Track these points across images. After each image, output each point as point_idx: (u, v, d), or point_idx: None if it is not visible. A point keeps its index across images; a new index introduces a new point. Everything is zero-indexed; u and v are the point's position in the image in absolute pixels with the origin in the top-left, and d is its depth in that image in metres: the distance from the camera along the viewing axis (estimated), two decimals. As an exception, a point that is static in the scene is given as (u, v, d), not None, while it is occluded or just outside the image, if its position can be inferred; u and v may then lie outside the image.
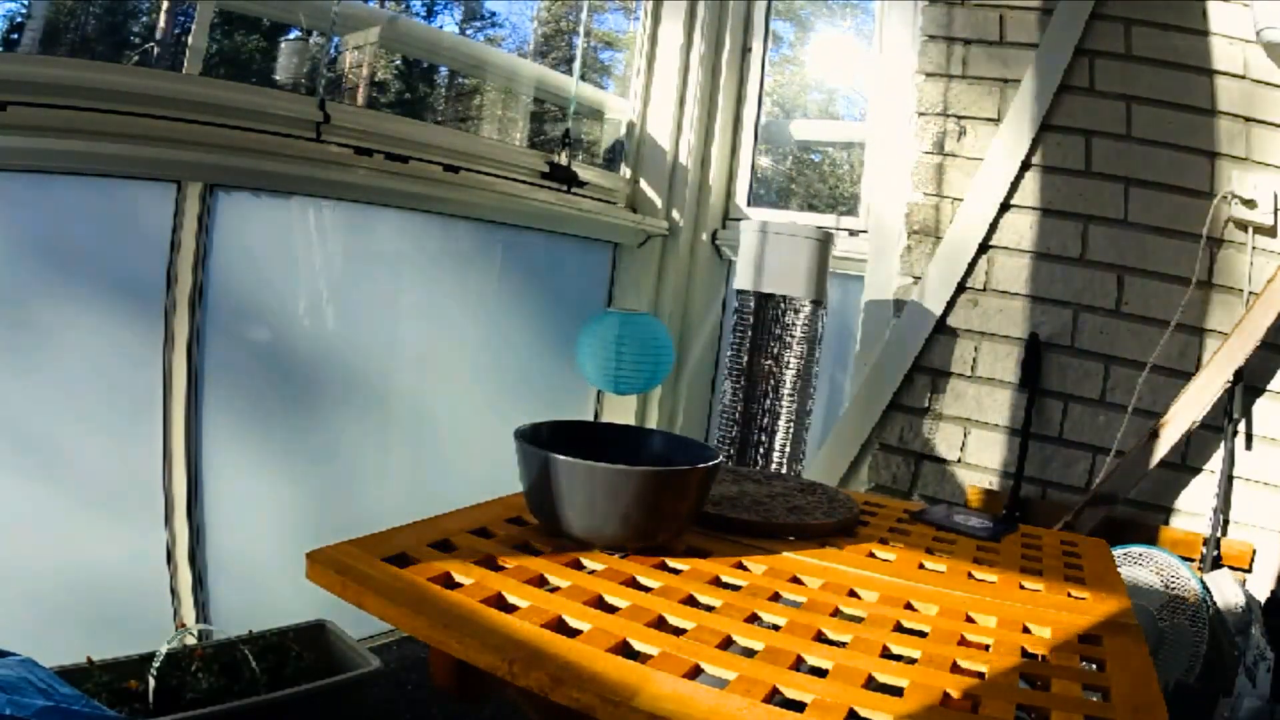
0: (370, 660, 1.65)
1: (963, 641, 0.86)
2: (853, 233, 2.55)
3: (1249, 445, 1.93)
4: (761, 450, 2.12)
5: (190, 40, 1.85)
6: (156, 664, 1.45)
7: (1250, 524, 1.91)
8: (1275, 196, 1.91)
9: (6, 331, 1.60)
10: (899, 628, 0.89)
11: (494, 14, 2.61)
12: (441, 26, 2.49)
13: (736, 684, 0.72)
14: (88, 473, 1.72)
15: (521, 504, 1.12)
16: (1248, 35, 1.91)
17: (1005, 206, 2.12)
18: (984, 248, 2.14)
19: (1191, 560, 1.86)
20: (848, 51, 3.01)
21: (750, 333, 2.12)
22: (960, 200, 2.16)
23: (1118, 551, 1.85)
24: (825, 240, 2.07)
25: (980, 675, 0.78)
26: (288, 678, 1.58)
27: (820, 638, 0.85)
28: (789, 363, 2.10)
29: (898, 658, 0.82)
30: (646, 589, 0.93)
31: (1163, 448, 1.90)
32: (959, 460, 2.15)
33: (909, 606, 0.96)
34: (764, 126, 2.92)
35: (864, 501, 1.46)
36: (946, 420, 2.16)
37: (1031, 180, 2.11)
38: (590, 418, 2.79)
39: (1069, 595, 1.06)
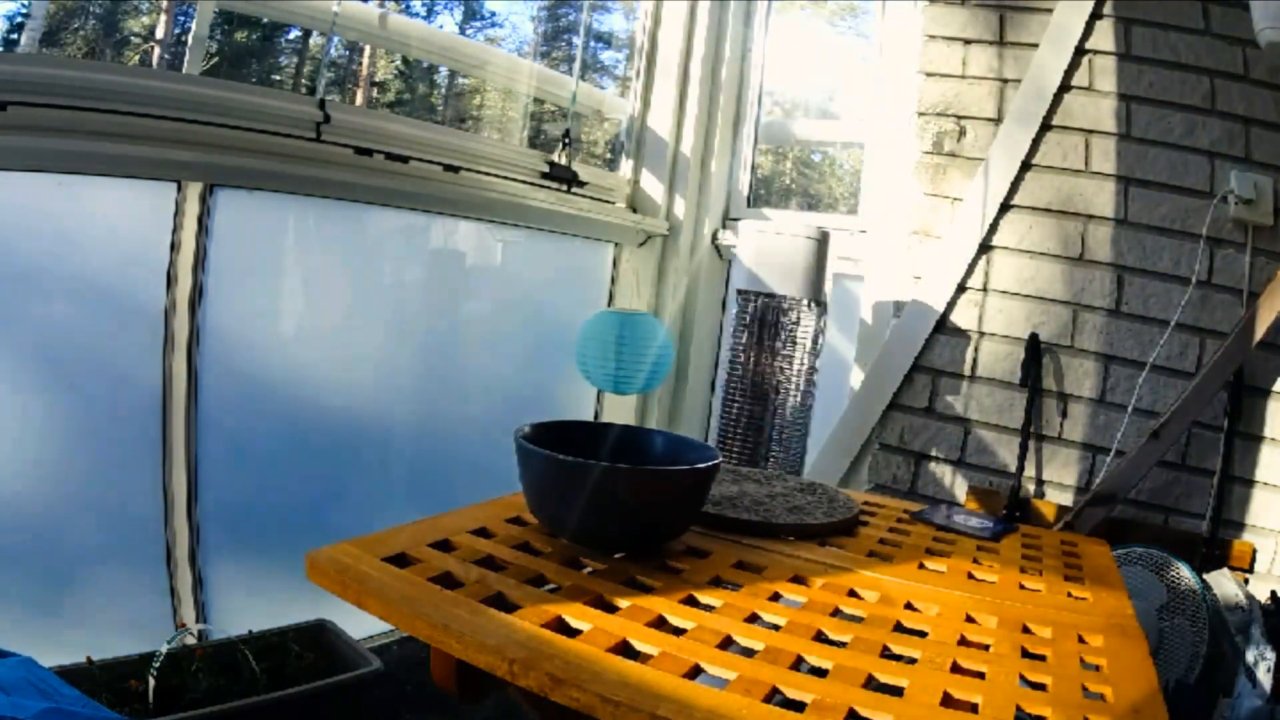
0: (370, 660, 1.65)
1: (963, 641, 0.86)
2: (853, 233, 2.55)
3: (1249, 445, 1.93)
4: (763, 451, 2.12)
5: (190, 40, 1.85)
6: (156, 664, 1.44)
7: (1250, 524, 1.91)
8: (1275, 196, 1.91)
9: (6, 331, 1.60)
10: (899, 628, 0.89)
11: (494, 14, 2.61)
12: (441, 27, 2.49)
13: (736, 684, 0.72)
14: (88, 472, 1.72)
15: (521, 504, 1.12)
16: (1247, 35, 1.91)
17: (1005, 207, 2.12)
18: (984, 248, 2.14)
19: (1191, 560, 1.86)
20: (848, 51, 3.01)
21: (751, 333, 2.12)
22: (960, 200, 2.16)
23: (1118, 551, 1.85)
24: (823, 240, 2.07)
25: (980, 675, 0.78)
26: (288, 678, 1.58)
27: (820, 638, 0.85)
28: (790, 363, 2.10)
29: (898, 658, 0.82)
30: (647, 589, 0.93)
31: (1162, 448, 1.90)
32: (959, 460, 2.15)
33: (909, 606, 0.96)
34: (764, 126, 2.92)
35: (864, 501, 1.46)
36: (946, 420, 2.16)
37: (1031, 180, 2.11)
38: (590, 418, 2.79)
39: (1069, 595, 1.06)
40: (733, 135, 2.88)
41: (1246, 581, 1.87)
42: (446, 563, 0.93)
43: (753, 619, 0.88)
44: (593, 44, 2.88)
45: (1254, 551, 1.89)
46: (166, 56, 1.88)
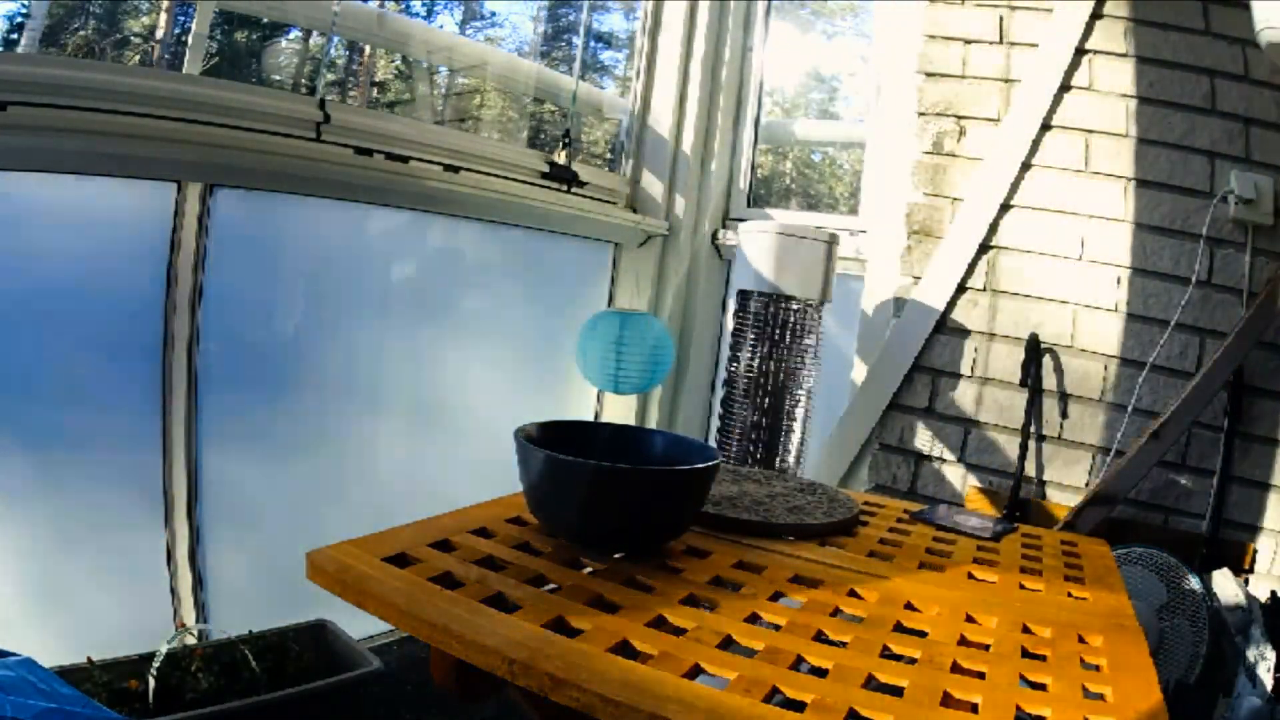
0: (370, 660, 1.65)
1: (963, 641, 0.86)
2: (853, 233, 2.55)
3: (1249, 445, 1.93)
4: (763, 450, 2.12)
5: (190, 40, 1.85)
6: (156, 664, 1.45)
7: (1250, 524, 1.91)
8: (1275, 196, 1.91)
9: (8, 331, 1.60)
10: (899, 628, 0.89)
11: (494, 14, 2.61)
12: (441, 27, 2.49)
13: (736, 684, 0.72)
14: (88, 472, 1.72)
15: (521, 504, 1.12)
16: (1247, 35, 1.91)
17: (1005, 206, 2.12)
18: (984, 248, 2.14)
19: (1191, 560, 1.86)
20: (848, 51, 3.01)
21: (752, 333, 2.11)
22: (960, 200, 2.16)
23: (1118, 551, 1.85)
24: (831, 242, 2.07)
25: (980, 675, 0.78)
26: (288, 678, 1.58)
27: (820, 638, 0.84)
28: (790, 363, 2.10)
29: (898, 658, 0.82)
30: (647, 589, 0.93)
31: (1163, 448, 1.90)
32: (959, 460, 2.15)
33: (909, 606, 0.96)
34: (764, 126, 2.92)
35: (864, 501, 1.46)
36: (946, 420, 2.16)
37: (1031, 180, 2.11)
38: (590, 418, 2.79)
39: (1069, 595, 1.06)
40: (733, 135, 2.88)
41: (1246, 581, 1.87)
42: (446, 563, 0.93)
43: (753, 619, 0.87)
44: (593, 44, 2.88)
45: (1254, 551, 1.89)
46: (166, 56, 1.88)
